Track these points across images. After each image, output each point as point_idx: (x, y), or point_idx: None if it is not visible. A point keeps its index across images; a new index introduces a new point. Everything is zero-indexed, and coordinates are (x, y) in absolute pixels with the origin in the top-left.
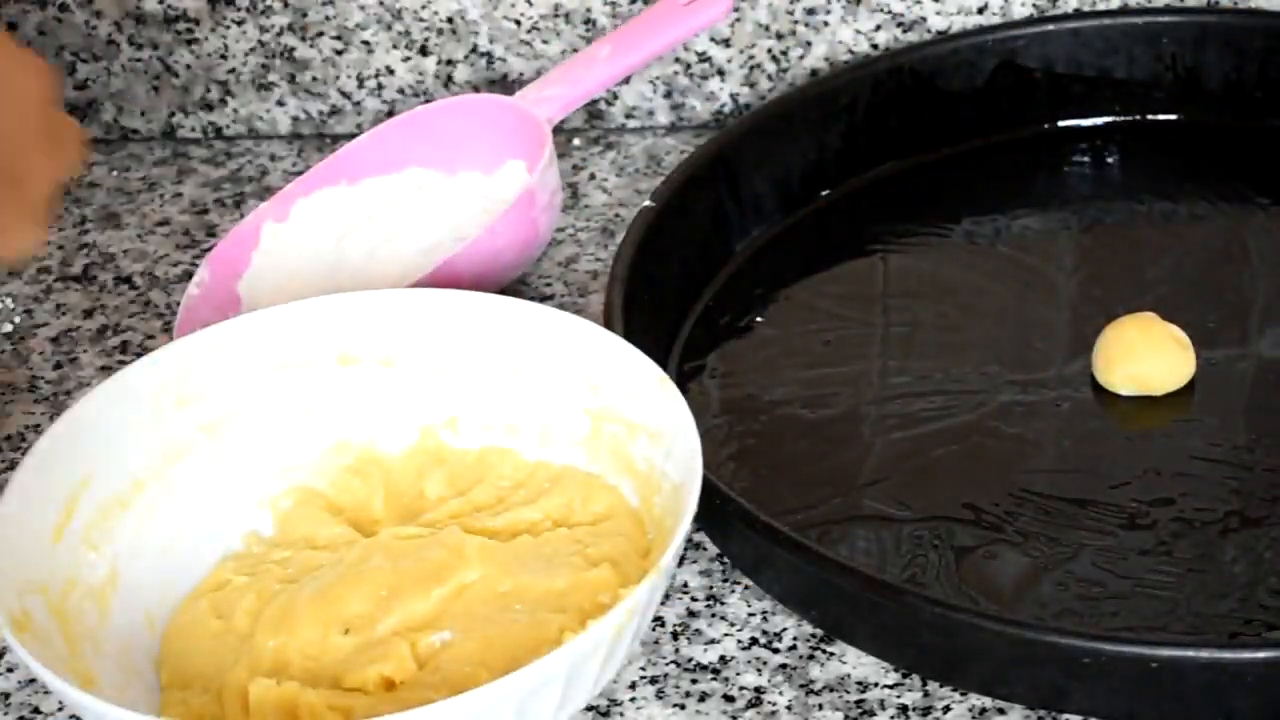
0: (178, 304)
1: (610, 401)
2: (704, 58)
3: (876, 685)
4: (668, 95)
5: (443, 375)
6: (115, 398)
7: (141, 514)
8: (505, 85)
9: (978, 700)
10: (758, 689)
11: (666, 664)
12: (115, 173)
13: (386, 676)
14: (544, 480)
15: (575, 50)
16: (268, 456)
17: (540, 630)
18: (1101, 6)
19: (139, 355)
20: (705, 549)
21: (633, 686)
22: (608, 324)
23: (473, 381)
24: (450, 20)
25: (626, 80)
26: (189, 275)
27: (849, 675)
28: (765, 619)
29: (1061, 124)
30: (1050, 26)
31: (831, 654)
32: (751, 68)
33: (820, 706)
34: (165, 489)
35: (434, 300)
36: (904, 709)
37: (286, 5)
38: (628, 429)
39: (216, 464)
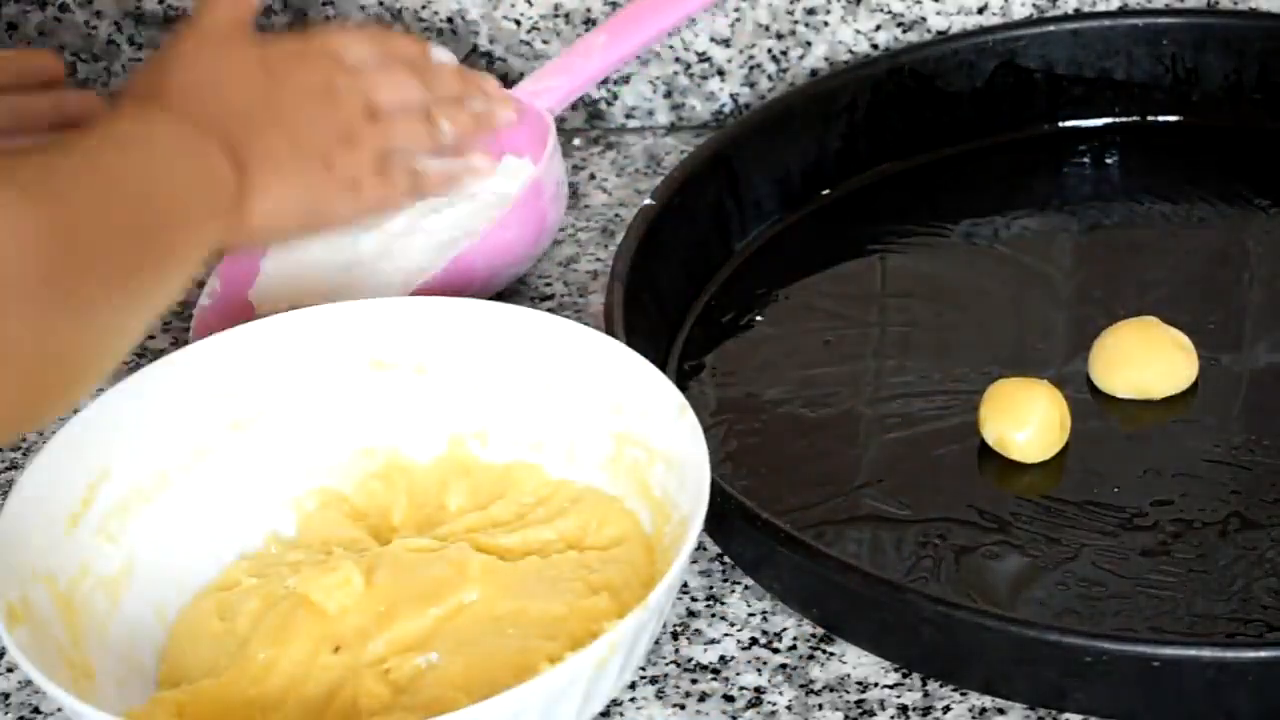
0: (179, 305)
1: (633, 425)
2: (704, 58)
3: (876, 685)
4: (668, 95)
5: (475, 386)
6: (141, 392)
7: (164, 507)
8: (505, 85)
9: (978, 700)
10: (758, 689)
11: (666, 664)
12: None
13: (358, 707)
14: (565, 500)
15: None
16: (296, 457)
17: (527, 656)
18: (1101, 7)
19: (140, 357)
20: (705, 549)
21: (633, 686)
22: (608, 323)
23: (504, 394)
24: (450, 20)
25: (627, 80)
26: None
27: (849, 675)
28: (765, 619)
29: (1061, 124)
30: (1050, 27)
31: (831, 654)
32: (751, 68)
33: (820, 706)
34: (191, 484)
35: (470, 310)
36: (904, 709)
37: (286, 5)
38: (648, 454)
39: (244, 462)
